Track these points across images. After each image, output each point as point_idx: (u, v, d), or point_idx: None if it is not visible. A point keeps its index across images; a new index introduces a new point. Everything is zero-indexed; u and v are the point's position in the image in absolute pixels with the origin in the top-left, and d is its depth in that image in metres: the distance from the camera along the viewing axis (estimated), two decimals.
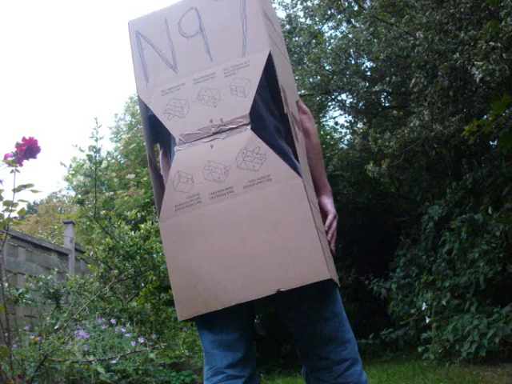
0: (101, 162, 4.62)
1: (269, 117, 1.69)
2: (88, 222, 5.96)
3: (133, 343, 3.77)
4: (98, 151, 4.48)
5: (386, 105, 9.02)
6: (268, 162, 1.50)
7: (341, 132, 10.89)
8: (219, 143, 1.55)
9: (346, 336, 1.65)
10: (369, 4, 6.73)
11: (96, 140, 4.37)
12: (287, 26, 7.54)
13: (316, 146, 1.80)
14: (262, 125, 1.63)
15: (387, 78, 6.41)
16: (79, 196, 8.13)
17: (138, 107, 10.03)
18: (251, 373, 1.62)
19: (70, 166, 8.54)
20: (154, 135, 1.82)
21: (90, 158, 4.57)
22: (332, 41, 8.31)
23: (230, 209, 1.50)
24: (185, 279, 1.52)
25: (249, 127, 1.54)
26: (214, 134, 1.57)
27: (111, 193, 7.28)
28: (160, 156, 1.88)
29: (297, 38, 7.68)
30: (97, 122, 4.27)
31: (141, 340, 3.88)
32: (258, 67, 1.59)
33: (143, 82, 1.70)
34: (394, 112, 8.56)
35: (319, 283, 1.46)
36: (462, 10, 4.99)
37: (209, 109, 1.60)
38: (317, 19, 7.55)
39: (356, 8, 7.29)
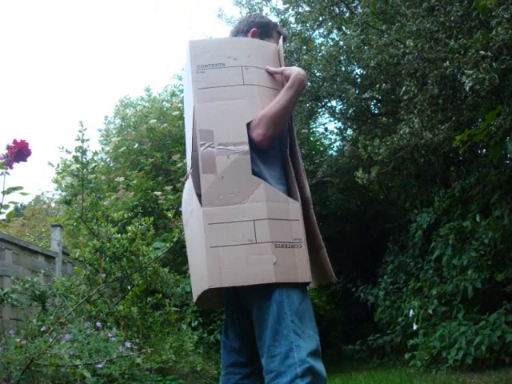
0: (87, 163, 4.62)
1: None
2: (75, 223, 5.91)
3: (120, 348, 3.74)
4: (84, 152, 4.50)
5: (376, 112, 9.06)
6: (193, 198, 1.91)
7: (330, 138, 10.91)
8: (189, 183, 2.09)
9: (271, 348, 1.75)
10: (360, 11, 6.76)
11: (82, 141, 4.40)
12: None
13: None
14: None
15: (377, 85, 6.43)
16: (67, 196, 8.06)
17: (128, 111, 10.08)
18: (252, 370, 1.99)
19: (58, 165, 8.48)
20: None
21: (76, 159, 4.56)
22: (323, 47, 8.34)
23: (187, 231, 2.10)
24: (191, 277, 2.12)
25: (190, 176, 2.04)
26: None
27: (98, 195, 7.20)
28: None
29: (288, 44, 7.70)
30: (82, 125, 4.32)
31: (127, 344, 3.85)
32: (189, 122, 2.05)
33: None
34: (384, 119, 8.60)
35: (228, 289, 1.90)
36: (453, 18, 5.03)
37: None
38: (308, 25, 7.57)
39: (347, 15, 7.32)
